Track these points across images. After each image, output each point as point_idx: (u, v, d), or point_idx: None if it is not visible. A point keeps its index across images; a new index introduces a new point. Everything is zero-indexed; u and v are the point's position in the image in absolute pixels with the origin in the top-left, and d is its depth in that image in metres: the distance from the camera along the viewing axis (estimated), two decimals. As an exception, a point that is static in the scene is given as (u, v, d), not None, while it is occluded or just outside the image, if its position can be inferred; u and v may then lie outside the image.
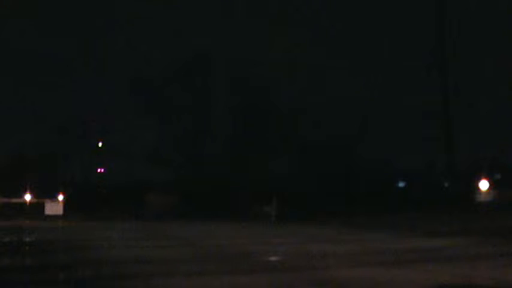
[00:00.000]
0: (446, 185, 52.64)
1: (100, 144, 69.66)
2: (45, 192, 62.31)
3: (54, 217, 52.73)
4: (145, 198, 57.67)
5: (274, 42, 78.00)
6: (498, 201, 41.50)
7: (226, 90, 62.21)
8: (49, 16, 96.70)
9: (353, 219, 37.24)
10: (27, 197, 62.37)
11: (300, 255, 15.63)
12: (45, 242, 19.96)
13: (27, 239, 20.96)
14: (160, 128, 61.33)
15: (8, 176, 64.07)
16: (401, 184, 63.65)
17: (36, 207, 59.81)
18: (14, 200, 61.47)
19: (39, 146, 68.05)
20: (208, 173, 60.02)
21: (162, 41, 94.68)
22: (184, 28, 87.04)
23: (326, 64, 79.17)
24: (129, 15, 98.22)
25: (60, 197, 62.82)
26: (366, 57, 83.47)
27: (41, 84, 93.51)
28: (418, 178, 59.71)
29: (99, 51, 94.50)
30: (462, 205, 41.74)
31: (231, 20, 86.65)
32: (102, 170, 72.13)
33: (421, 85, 63.59)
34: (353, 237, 22.62)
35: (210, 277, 11.42)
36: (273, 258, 14.70)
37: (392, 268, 12.20)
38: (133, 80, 61.16)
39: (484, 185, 41.90)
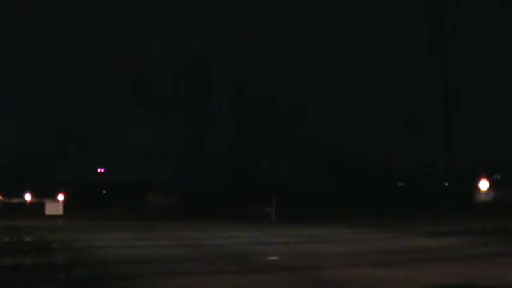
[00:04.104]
0: (446, 184, 52.61)
1: (100, 144, 69.59)
2: (45, 192, 62.24)
3: (54, 217, 52.66)
4: (146, 198, 57.60)
5: (274, 42, 78.04)
6: (498, 201, 41.49)
7: (227, 90, 62.23)
8: (49, 15, 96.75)
9: (353, 219, 37.24)
10: (27, 197, 62.31)
11: (300, 255, 15.63)
12: (45, 242, 19.93)
13: (27, 239, 20.93)
14: (161, 128, 61.34)
15: (8, 176, 64.02)
16: (401, 184, 63.65)
17: (36, 207, 59.74)
18: (14, 200, 61.41)
19: (39, 146, 68.04)
20: (208, 173, 60.01)
21: (163, 41, 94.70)
22: (185, 28, 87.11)
23: (326, 64, 79.24)
24: (129, 15, 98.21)
25: (60, 197, 62.76)
26: (365, 57, 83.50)
27: (41, 84, 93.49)
28: (418, 178, 59.69)
29: (99, 51, 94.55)
30: (462, 205, 41.74)
31: (231, 21, 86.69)
32: (102, 170, 72.12)
33: (421, 85, 63.74)
34: (353, 237, 22.62)
35: (210, 277, 11.41)
36: (273, 258, 14.69)
37: (392, 268, 12.20)
38: (134, 80, 61.15)
39: (484, 185, 41.86)
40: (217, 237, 23.37)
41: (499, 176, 53.16)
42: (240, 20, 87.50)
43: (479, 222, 26.11)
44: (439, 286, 9.77)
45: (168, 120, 61.21)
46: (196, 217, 45.12)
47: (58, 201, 62.29)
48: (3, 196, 61.73)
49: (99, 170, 72.07)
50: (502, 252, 15.63)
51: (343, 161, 58.20)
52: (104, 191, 69.92)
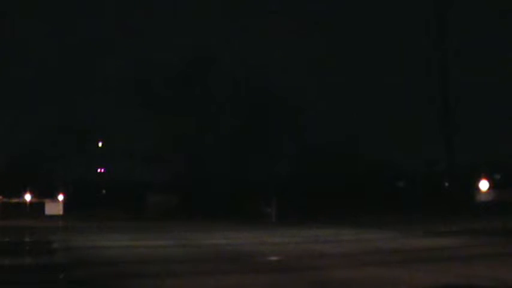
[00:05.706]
0: (446, 184, 52.60)
1: (100, 144, 69.61)
2: (45, 192, 62.26)
3: (54, 217, 52.66)
4: (146, 198, 57.64)
5: (274, 42, 78.06)
6: (498, 201, 41.49)
7: (227, 90, 62.18)
8: (49, 15, 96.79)
9: (353, 220, 37.23)
10: (27, 197, 62.32)
11: (300, 255, 15.63)
12: (45, 242, 19.93)
13: (27, 239, 20.94)
14: (161, 128, 61.28)
15: (8, 176, 64.02)
16: (401, 184, 63.61)
17: (36, 207, 59.76)
18: (14, 200, 61.42)
19: (39, 146, 68.03)
20: (208, 173, 59.97)
21: (163, 41, 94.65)
22: (186, 28, 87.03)
23: (325, 64, 79.28)
24: (130, 16, 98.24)
25: (60, 197, 62.79)
26: (366, 57, 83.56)
27: (41, 84, 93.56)
28: (418, 178, 59.66)
29: (100, 51, 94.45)
30: (462, 205, 41.72)
31: (232, 20, 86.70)
32: (102, 170, 72.07)
33: (421, 85, 63.73)
34: (353, 237, 22.62)
35: (210, 277, 11.41)
36: (273, 258, 14.69)
37: (392, 268, 12.20)
38: (134, 80, 61.06)
39: (484, 185, 41.84)
40: (217, 238, 23.36)
41: (499, 176, 53.11)
42: (240, 20, 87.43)
43: (479, 222, 26.13)
44: (439, 286, 9.76)
45: (168, 120, 61.16)
46: (196, 217, 45.12)
47: (58, 201, 62.33)
48: (3, 196, 61.72)
49: (99, 170, 72.01)
50: (502, 252, 15.64)
51: (343, 161, 58.16)
52: (104, 191, 69.89)
